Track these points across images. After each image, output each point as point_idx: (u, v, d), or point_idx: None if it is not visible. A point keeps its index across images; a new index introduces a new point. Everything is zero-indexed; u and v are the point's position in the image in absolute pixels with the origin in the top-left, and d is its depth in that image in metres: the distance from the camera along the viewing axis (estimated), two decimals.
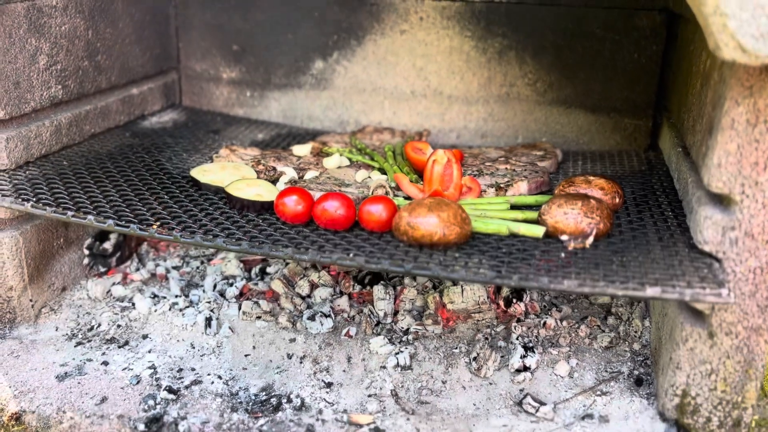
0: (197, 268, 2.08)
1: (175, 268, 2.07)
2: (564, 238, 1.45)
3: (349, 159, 1.96)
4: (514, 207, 1.66)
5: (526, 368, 1.64)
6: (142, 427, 1.45)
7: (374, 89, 2.29)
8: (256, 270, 2.02)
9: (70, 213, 1.53)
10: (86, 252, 1.99)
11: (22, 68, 1.71)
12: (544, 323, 1.81)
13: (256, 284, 1.96)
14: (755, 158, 1.25)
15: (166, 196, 1.68)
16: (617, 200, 1.59)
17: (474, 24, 2.14)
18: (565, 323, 1.82)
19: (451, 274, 1.33)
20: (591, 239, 1.43)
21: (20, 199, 1.57)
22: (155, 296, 1.92)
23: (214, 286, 1.95)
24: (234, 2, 2.32)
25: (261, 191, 1.67)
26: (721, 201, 1.33)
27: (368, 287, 1.93)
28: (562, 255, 1.40)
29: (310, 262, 1.49)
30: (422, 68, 2.23)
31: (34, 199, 1.58)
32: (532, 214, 1.56)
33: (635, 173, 1.92)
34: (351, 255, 1.39)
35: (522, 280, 1.30)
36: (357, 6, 2.21)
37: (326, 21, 2.26)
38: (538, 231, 1.48)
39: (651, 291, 1.24)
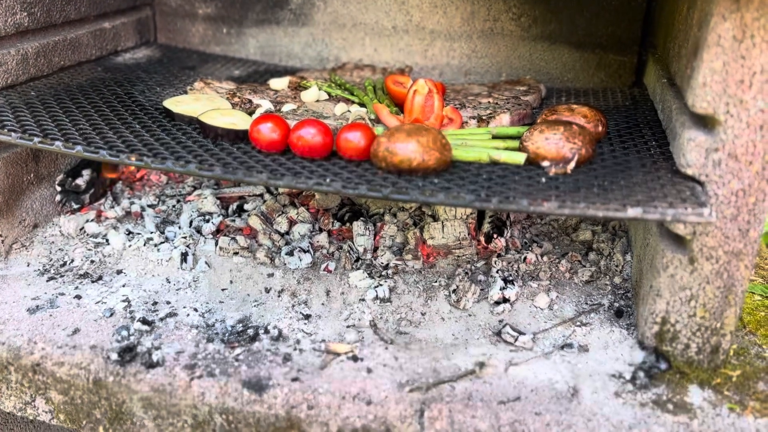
0: (173, 206, 2.04)
1: (151, 206, 2.03)
2: (545, 164, 1.42)
3: (328, 93, 1.90)
4: (495, 137, 1.63)
5: (505, 300, 1.63)
6: (115, 356, 1.42)
7: (354, 25, 2.23)
8: (233, 207, 1.98)
9: (36, 139, 1.47)
10: (58, 188, 1.94)
11: None
12: (525, 258, 1.79)
13: (233, 221, 1.92)
14: (741, 75, 1.22)
15: (137, 126, 1.62)
16: (600, 128, 1.56)
17: None
18: (545, 258, 1.81)
19: (429, 198, 1.30)
20: (572, 164, 1.40)
21: None
22: (130, 233, 1.88)
23: (190, 223, 1.91)
24: None
25: (235, 120, 1.61)
26: (705, 123, 1.30)
27: (348, 224, 1.90)
28: (543, 180, 1.37)
29: (285, 188, 1.44)
30: (404, 2, 2.17)
31: None
32: (513, 143, 1.53)
33: (619, 108, 1.88)
34: (327, 180, 1.35)
35: (501, 203, 1.27)
36: None
37: None
38: (519, 158, 1.45)
39: (632, 211, 1.22)
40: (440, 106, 1.66)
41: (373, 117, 1.73)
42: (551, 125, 1.43)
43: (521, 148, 1.47)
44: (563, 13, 2.08)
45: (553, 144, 1.41)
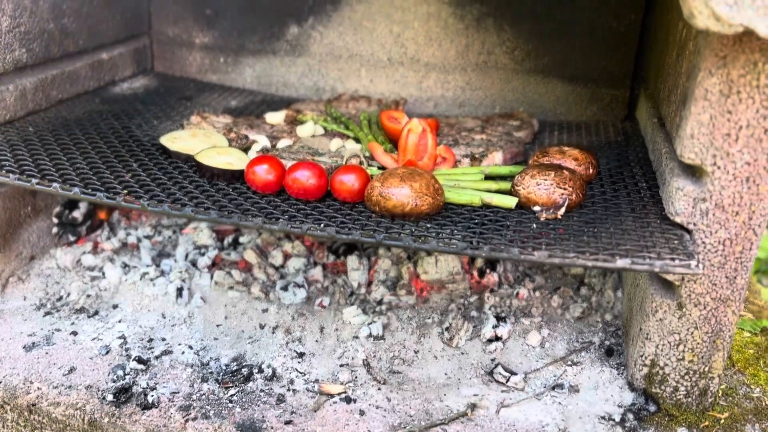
0: (169, 237, 2.05)
1: (147, 237, 2.05)
2: (536, 208, 1.44)
3: (324, 127, 1.92)
4: (488, 177, 1.65)
5: (497, 338, 1.65)
6: (110, 397, 1.44)
7: (350, 56, 2.25)
8: (228, 240, 2.00)
9: (34, 180, 1.49)
10: (55, 221, 1.95)
11: None
12: (517, 293, 1.81)
13: (229, 254, 1.94)
14: (727, 129, 1.24)
15: (134, 164, 1.64)
16: (591, 171, 1.58)
17: None
18: (538, 293, 1.83)
19: (422, 245, 1.32)
20: (563, 210, 1.42)
21: None
22: (126, 266, 1.89)
23: (186, 256, 1.93)
24: None
25: (232, 160, 1.63)
26: (693, 172, 1.33)
27: (342, 258, 1.92)
28: (534, 226, 1.39)
29: (280, 233, 1.47)
30: (399, 35, 2.19)
31: None
32: (505, 185, 1.55)
33: (611, 144, 1.91)
34: (322, 225, 1.37)
35: (493, 251, 1.29)
36: None
37: None
38: (510, 202, 1.47)
39: (621, 262, 1.24)
40: (434, 145, 1.68)
41: (367, 154, 1.75)
42: (542, 170, 1.46)
43: (513, 192, 1.49)
44: (556, 48, 2.10)
45: (544, 190, 1.43)
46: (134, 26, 2.30)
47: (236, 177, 1.59)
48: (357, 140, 1.87)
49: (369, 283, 1.84)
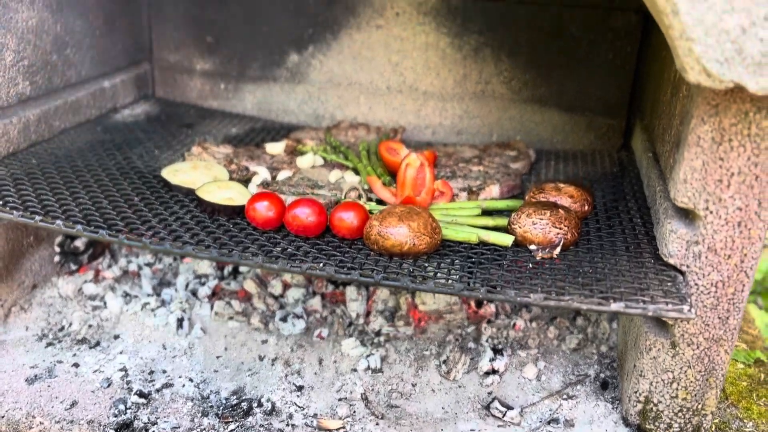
0: (170, 264, 2.07)
1: (148, 264, 2.07)
2: (532, 247, 1.46)
3: (323, 158, 1.95)
4: (485, 211, 1.67)
5: (494, 371, 1.67)
6: None
7: (350, 84, 2.28)
8: (228, 269, 2.02)
9: (38, 218, 1.51)
10: (57, 250, 1.97)
11: None
12: (514, 324, 1.83)
13: (229, 284, 1.96)
14: (719, 175, 1.27)
15: (136, 198, 1.66)
16: (586, 207, 1.61)
17: (450, 21, 2.13)
18: (534, 324, 1.85)
19: (420, 286, 1.34)
20: (558, 250, 1.44)
21: None
22: (127, 295, 1.91)
23: (187, 285, 1.95)
24: None
25: (233, 194, 1.66)
26: (687, 215, 1.35)
27: (341, 287, 1.94)
28: (530, 266, 1.41)
29: (279, 271, 1.50)
30: (398, 64, 2.22)
31: (1, 202, 1.55)
32: (502, 221, 1.57)
33: (607, 175, 1.93)
34: (321, 265, 1.39)
35: (490, 293, 1.32)
36: (332, 0, 2.19)
37: (301, 14, 2.23)
38: (506, 240, 1.49)
39: (615, 306, 1.27)
40: (431, 180, 1.70)
41: (366, 187, 1.77)
42: (538, 209, 1.48)
43: (509, 230, 1.52)
44: (553, 77, 2.13)
45: (540, 229, 1.45)
46: (136, 53, 2.33)
47: (237, 212, 1.62)
48: (356, 171, 1.89)
49: (367, 314, 1.86)
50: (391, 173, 1.88)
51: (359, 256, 1.45)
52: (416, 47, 2.18)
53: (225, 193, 1.66)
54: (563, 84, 2.13)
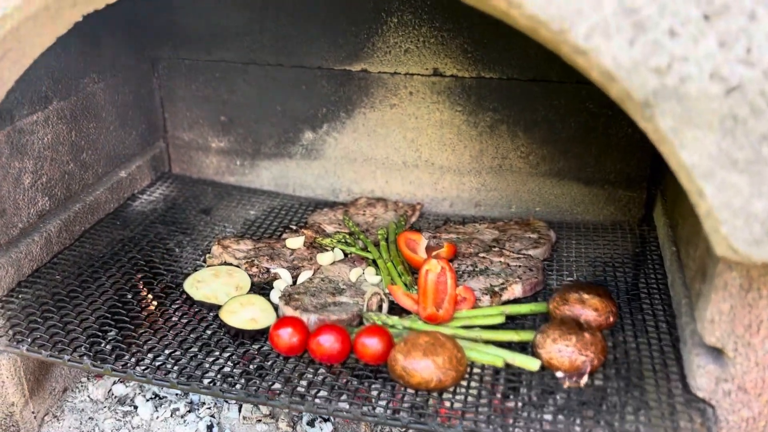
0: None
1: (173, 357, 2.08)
2: (559, 375, 1.46)
3: (343, 251, 1.95)
4: (508, 317, 1.67)
5: None
6: None
7: (365, 159, 2.27)
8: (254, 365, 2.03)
9: (66, 357, 1.54)
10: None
11: (7, 195, 1.68)
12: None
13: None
14: (748, 321, 1.25)
15: (161, 321, 1.68)
16: (611, 319, 1.59)
17: (464, 99, 2.10)
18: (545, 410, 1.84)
19: (448, 430, 1.35)
20: (585, 378, 1.44)
21: (14, 342, 1.57)
22: (156, 396, 1.94)
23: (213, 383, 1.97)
24: (219, 75, 2.26)
25: (255, 313, 1.67)
26: (715, 350, 1.34)
27: (362, 380, 1.95)
28: (558, 397, 1.41)
29: (307, 412, 1.55)
30: (413, 140, 2.20)
31: (29, 340, 1.58)
32: (527, 335, 1.57)
33: (629, 258, 1.91)
34: (349, 407, 1.41)
35: None
36: (345, 80, 2.16)
37: (314, 94, 2.21)
38: (533, 365, 1.49)
39: None
40: (453, 285, 1.70)
41: (387, 292, 1.77)
42: (564, 333, 1.47)
43: (534, 353, 1.51)
44: (571, 152, 2.10)
45: (567, 356, 1.45)
46: (150, 135, 2.33)
47: (261, 333, 1.63)
48: (375, 263, 1.89)
49: (395, 412, 1.87)
50: (411, 268, 1.88)
51: (384, 390, 1.46)
52: (431, 124, 2.16)
53: (248, 312, 1.67)
54: (582, 158, 2.10)
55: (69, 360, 1.53)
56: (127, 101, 2.17)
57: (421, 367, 1.42)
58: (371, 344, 1.52)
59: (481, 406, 1.41)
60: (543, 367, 1.49)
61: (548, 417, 1.38)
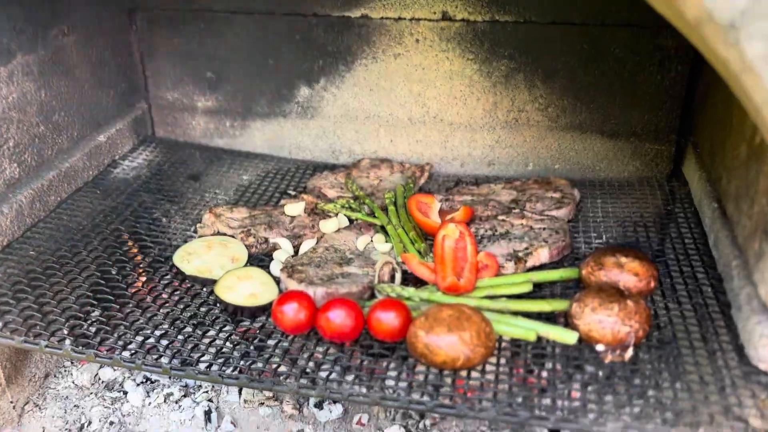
0: None
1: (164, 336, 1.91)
2: (600, 348, 1.30)
3: (348, 217, 1.77)
4: (536, 285, 1.51)
5: None
6: None
7: (367, 117, 2.07)
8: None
9: (43, 343, 1.36)
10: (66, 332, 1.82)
11: None
12: (569, 393, 1.68)
13: (255, 362, 1.81)
14: None
15: (148, 298, 1.50)
16: (652, 284, 1.43)
17: (477, 46, 1.91)
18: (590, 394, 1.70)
19: (479, 414, 1.20)
20: (630, 351, 1.28)
21: None
22: (147, 380, 1.77)
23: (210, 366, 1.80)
24: (203, 26, 2.05)
25: (255, 287, 1.49)
26: None
27: (379, 358, 1.79)
28: (600, 374, 1.26)
29: (317, 398, 1.37)
30: (420, 94, 2.01)
31: (0, 324, 1.40)
32: (559, 304, 1.41)
33: (661, 218, 1.75)
34: (364, 390, 1.24)
35: (560, 421, 1.17)
36: (343, 28, 1.96)
37: (310, 45, 2.01)
38: (570, 338, 1.33)
39: None
40: (473, 252, 1.53)
41: (399, 260, 1.60)
42: (604, 302, 1.30)
43: (569, 323, 1.35)
44: (594, 103, 1.92)
45: (609, 327, 1.29)
46: (130, 95, 2.12)
47: (262, 310, 1.46)
48: (384, 229, 1.72)
49: (410, 388, 1.72)
50: (424, 233, 1.70)
51: (404, 369, 1.30)
52: (440, 75, 1.97)
53: (246, 286, 1.49)
54: (606, 109, 1.92)
55: (47, 346, 1.36)
56: (103, 57, 1.96)
57: (446, 343, 1.26)
58: (388, 319, 1.35)
59: (514, 386, 1.25)
60: (581, 340, 1.33)
61: (591, 395, 1.22)
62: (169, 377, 1.78)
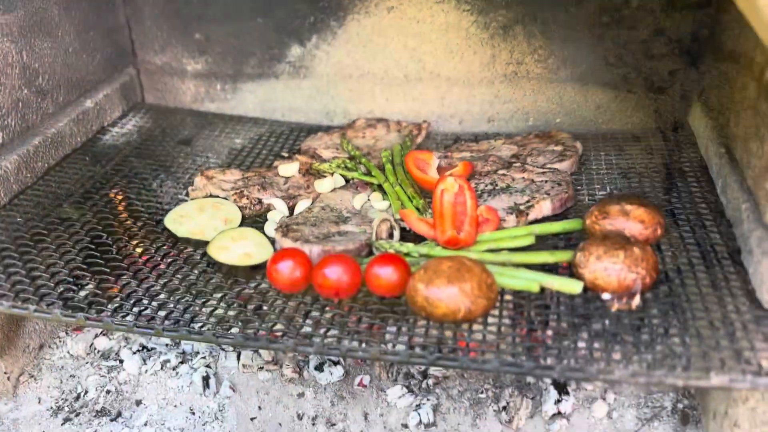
0: None
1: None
2: (606, 296, 1.26)
3: (344, 177, 1.72)
4: (538, 237, 1.46)
5: (560, 414, 1.50)
6: None
7: (362, 75, 2.01)
8: (252, 307, 1.82)
9: (32, 308, 1.32)
10: (60, 303, 1.78)
11: None
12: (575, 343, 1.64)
13: None
14: None
15: (141, 261, 1.46)
16: (659, 231, 1.38)
17: None
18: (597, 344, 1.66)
19: (483, 366, 1.16)
20: (637, 299, 1.23)
21: None
22: (143, 348, 1.73)
23: None
24: None
25: (249, 247, 1.45)
26: None
27: (380, 321, 1.75)
28: (607, 323, 1.22)
29: (316, 354, 1.32)
30: (415, 49, 1.95)
31: None
32: (563, 255, 1.36)
33: (667, 169, 1.70)
34: (363, 346, 1.20)
35: (567, 371, 1.13)
36: None
37: (300, 1, 1.94)
38: (575, 287, 1.28)
39: (717, 380, 1.07)
40: (473, 206, 1.48)
41: (397, 217, 1.55)
42: (609, 249, 1.26)
43: (575, 272, 1.31)
44: (596, 53, 1.86)
45: (614, 274, 1.24)
46: (118, 60, 2.06)
47: (257, 269, 1.42)
48: (381, 188, 1.67)
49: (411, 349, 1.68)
50: (423, 190, 1.66)
51: (404, 323, 1.26)
52: (435, 29, 1.90)
53: (240, 246, 1.45)
54: (607, 59, 1.86)
55: (36, 311, 1.32)
56: (87, 19, 1.89)
57: (446, 295, 1.21)
58: (386, 274, 1.30)
59: (517, 336, 1.21)
60: (586, 289, 1.29)
61: (597, 345, 1.18)
62: (167, 341, 1.75)
